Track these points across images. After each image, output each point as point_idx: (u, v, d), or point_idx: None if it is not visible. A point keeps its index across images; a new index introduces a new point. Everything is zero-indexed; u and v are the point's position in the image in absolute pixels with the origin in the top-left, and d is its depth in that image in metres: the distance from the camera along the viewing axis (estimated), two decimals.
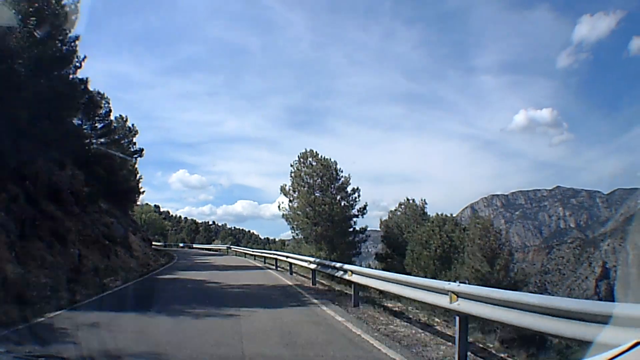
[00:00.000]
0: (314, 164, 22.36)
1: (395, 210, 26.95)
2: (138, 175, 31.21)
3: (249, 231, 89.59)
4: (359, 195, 22.62)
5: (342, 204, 22.16)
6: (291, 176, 22.57)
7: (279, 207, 22.68)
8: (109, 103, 23.07)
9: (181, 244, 51.03)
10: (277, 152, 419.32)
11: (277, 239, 61.39)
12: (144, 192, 33.64)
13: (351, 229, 22.92)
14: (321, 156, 22.60)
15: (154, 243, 44.49)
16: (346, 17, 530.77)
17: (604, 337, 2.69)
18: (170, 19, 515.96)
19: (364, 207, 22.83)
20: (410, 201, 26.48)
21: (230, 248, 38.53)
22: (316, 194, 21.63)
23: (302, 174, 22.21)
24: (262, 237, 77.69)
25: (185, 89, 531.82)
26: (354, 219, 22.88)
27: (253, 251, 28.05)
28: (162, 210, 74.90)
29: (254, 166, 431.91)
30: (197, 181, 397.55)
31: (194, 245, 49.23)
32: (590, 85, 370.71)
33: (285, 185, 22.75)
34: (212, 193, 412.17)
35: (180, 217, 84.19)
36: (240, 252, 32.27)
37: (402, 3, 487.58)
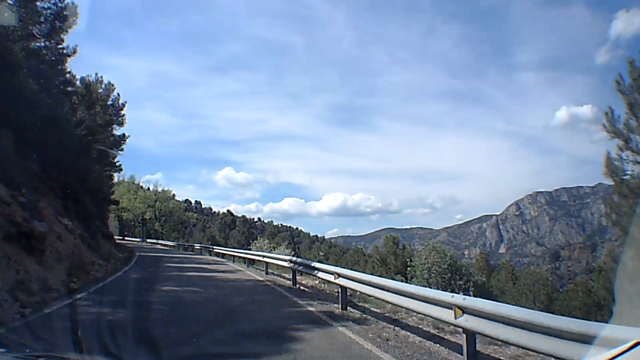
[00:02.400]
0: None
1: None
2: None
3: (297, 228, 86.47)
4: None
5: None
6: None
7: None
8: None
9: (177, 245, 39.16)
10: (323, 149, 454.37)
11: (325, 237, 56.43)
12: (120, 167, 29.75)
13: None
14: None
15: (148, 240, 43.23)
16: (386, 15, 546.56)
17: None
18: (211, 18, 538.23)
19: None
20: None
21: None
22: None
23: None
24: (312, 235, 74.73)
25: (229, 88, 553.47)
26: None
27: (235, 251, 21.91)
28: (203, 206, 72.66)
29: (300, 164, 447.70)
30: (243, 179, 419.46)
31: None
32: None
33: None
34: (259, 190, 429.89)
35: (215, 210, 75.94)
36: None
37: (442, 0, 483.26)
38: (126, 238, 47.60)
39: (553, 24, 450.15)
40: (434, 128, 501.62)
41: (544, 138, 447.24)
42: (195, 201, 65.71)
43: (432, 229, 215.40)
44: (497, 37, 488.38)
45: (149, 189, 52.17)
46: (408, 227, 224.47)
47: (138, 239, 45.82)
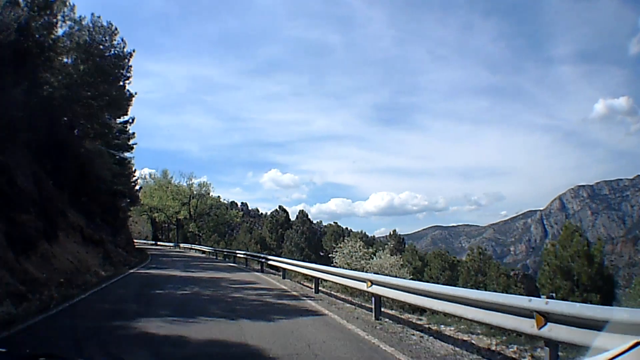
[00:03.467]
0: None
1: None
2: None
3: (347, 228, 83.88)
4: None
5: None
6: None
7: None
8: None
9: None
10: (367, 149, 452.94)
11: (375, 236, 53.48)
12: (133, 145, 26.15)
13: None
14: None
15: (182, 245, 38.44)
16: (424, 12, 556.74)
17: None
18: (249, 21, 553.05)
19: None
20: None
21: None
22: None
23: None
24: (360, 234, 72.00)
25: (270, 90, 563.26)
26: None
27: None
28: (250, 208, 68.21)
29: (345, 163, 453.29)
30: (289, 180, 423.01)
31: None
32: None
33: None
34: (305, 192, 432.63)
35: (263, 212, 69.16)
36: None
37: None
38: (159, 243, 43.81)
39: (584, 16, 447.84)
40: (475, 124, 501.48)
41: (583, 131, 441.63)
42: (242, 203, 64.55)
43: (478, 226, 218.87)
44: (532, 31, 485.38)
45: (185, 185, 44.67)
46: (454, 224, 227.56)
47: (171, 244, 42.19)
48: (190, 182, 44.92)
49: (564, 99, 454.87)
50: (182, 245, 39.98)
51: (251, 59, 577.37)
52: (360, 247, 16.41)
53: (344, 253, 16.01)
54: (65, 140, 16.34)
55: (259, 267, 17.10)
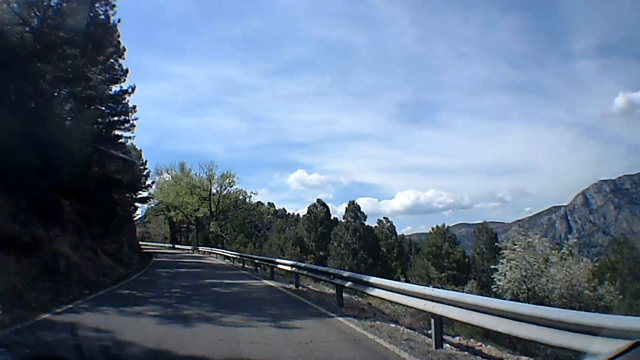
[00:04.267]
0: None
1: None
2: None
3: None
4: None
5: None
6: None
7: None
8: None
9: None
10: (392, 147, 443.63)
11: (404, 235, 47.73)
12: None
13: None
14: None
15: (200, 248, 33.05)
16: (444, 9, 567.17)
17: None
18: (272, 22, 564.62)
19: None
20: None
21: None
22: None
23: None
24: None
25: (294, 90, 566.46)
26: None
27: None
28: (277, 208, 64.07)
29: (371, 162, 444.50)
30: (315, 180, 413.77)
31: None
32: None
33: None
34: (332, 191, 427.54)
35: (290, 212, 64.89)
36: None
37: None
38: (177, 246, 38.98)
39: (603, 10, 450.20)
40: (499, 121, 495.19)
41: (604, 126, 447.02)
42: (268, 202, 58.95)
43: (504, 223, 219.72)
44: (551, 26, 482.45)
45: (205, 177, 36.80)
46: (480, 221, 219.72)
47: (189, 247, 36.65)
48: (211, 173, 36.63)
49: (584, 93, 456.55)
50: (201, 248, 33.23)
51: (274, 60, 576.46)
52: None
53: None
54: None
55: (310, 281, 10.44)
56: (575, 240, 17.84)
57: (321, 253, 30.87)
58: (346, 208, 33.74)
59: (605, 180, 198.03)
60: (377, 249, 29.46)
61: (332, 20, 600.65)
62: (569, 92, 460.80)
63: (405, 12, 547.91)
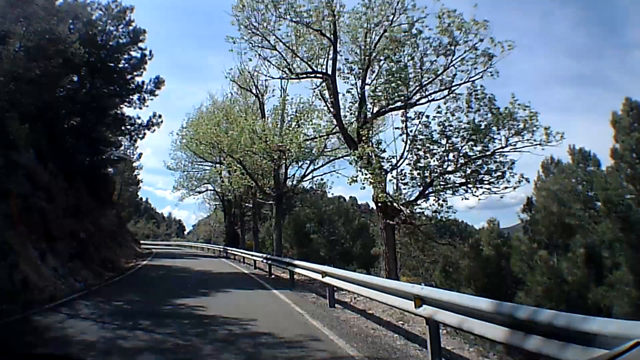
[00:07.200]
0: None
1: None
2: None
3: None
4: None
5: None
6: None
7: None
8: None
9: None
10: None
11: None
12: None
13: None
14: None
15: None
16: (503, 1, 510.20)
17: None
18: None
19: None
20: None
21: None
22: None
23: None
24: None
25: None
26: None
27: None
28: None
29: None
30: None
31: None
32: None
33: None
34: None
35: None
36: None
37: None
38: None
39: None
40: (562, 114, 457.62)
41: None
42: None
43: None
44: (608, 16, 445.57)
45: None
46: None
47: (258, 256, 16.59)
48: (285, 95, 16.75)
49: None
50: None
51: None
52: None
53: None
54: None
55: None
56: None
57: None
58: None
59: None
60: None
61: None
62: (629, 82, 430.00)
63: (467, 5, 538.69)
